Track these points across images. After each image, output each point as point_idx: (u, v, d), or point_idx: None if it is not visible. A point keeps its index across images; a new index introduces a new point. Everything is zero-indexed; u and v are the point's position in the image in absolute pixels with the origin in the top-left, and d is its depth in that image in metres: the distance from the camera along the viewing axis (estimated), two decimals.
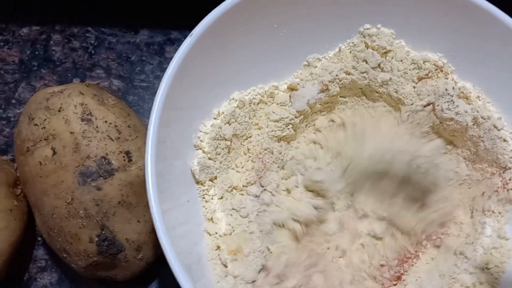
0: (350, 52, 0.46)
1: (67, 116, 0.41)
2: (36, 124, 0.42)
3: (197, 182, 0.43)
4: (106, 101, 0.44)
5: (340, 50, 0.47)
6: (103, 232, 0.41)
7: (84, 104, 0.42)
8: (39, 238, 0.49)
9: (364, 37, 0.46)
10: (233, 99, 0.45)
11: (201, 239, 0.41)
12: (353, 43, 0.46)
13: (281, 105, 0.46)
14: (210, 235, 0.41)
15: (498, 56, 0.43)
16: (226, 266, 0.40)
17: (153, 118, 0.38)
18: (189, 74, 0.40)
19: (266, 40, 0.45)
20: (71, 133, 0.41)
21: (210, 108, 0.44)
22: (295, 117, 0.46)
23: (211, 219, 0.42)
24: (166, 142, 0.39)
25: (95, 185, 0.40)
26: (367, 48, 0.46)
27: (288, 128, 0.46)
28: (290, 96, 0.46)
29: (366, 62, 0.45)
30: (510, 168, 0.42)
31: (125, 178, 0.41)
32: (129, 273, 0.44)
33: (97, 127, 0.42)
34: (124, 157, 0.42)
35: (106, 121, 0.42)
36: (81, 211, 0.40)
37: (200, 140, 0.43)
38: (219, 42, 0.42)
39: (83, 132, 0.41)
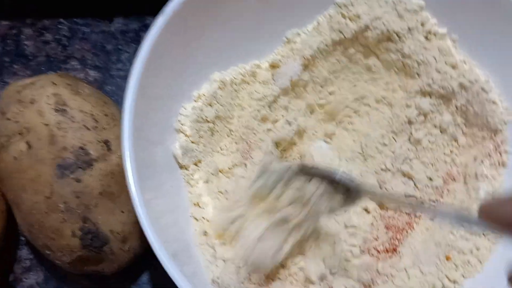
0: (327, 24, 0.45)
1: (40, 108, 0.40)
2: (8, 119, 0.40)
3: (181, 167, 0.41)
4: (81, 91, 0.42)
5: (318, 23, 0.45)
6: (86, 225, 0.39)
7: (57, 94, 0.41)
8: (22, 238, 0.47)
9: (340, 7, 0.44)
10: (213, 80, 0.44)
11: (188, 225, 0.40)
12: (329, 14, 0.45)
13: (263, 84, 0.45)
14: (197, 220, 0.40)
15: (481, 16, 0.42)
16: (215, 251, 0.38)
17: (127, 105, 0.36)
18: (163, 56, 0.39)
19: (243, 17, 0.44)
20: (46, 125, 0.39)
21: (190, 90, 0.43)
22: (279, 95, 0.44)
23: (197, 204, 0.41)
24: (144, 129, 0.38)
25: (74, 177, 0.39)
26: (344, 18, 0.44)
27: (272, 107, 0.44)
28: (272, 74, 0.45)
29: (342, 34, 0.44)
30: (501, 131, 0.41)
31: (105, 168, 0.40)
32: (117, 266, 0.42)
33: (72, 117, 0.40)
34: (103, 146, 0.40)
35: (81, 111, 0.41)
36: (61, 205, 0.39)
37: (181, 124, 0.42)
38: (193, 21, 0.41)
39: (58, 123, 0.39)
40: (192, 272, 0.36)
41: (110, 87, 0.52)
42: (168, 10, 0.38)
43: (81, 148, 0.39)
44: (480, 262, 0.40)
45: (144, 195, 0.35)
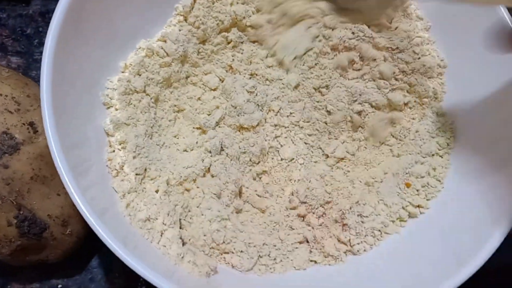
0: None
1: None
2: None
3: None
4: None
5: None
6: (21, 212, 0.38)
7: None
8: None
9: None
10: (139, 48, 0.42)
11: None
12: None
13: None
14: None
15: None
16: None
17: (44, 83, 0.34)
18: (80, 28, 0.37)
19: None
20: None
21: (115, 62, 0.41)
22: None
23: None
24: (67, 107, 0.36)
25: (1, 164, 0.37)
26: None
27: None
28: None
29: None
30: None
31: (33, 151, 0.38)
32: (61, 252, 0.41)
33: None
34: (28, 129, 0.38)
35: (1, 94, 0.38)
36: None
37: (110, 98, 0.40)
38: None
39: None
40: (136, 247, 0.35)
41: (35, 72, 0.50)
42: None
43: (5, 132, 0.37)
44: (439, 181, 0.41)
45: (78, 177, 0.33)
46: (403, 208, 0.41)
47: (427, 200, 0.41)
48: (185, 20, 0.43)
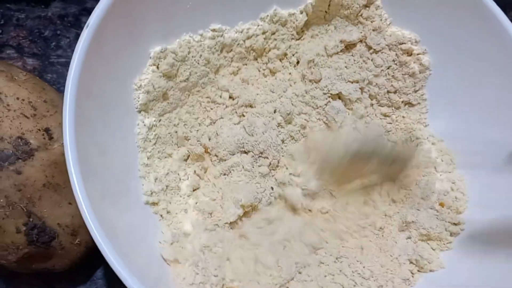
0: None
1: None
2: None
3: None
4: (16, 77, 0.39)
5: None
6: (31, 219, 0.37)
7: None
8: None
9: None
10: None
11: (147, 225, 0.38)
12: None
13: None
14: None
15: None
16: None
17: (69, 89, 0.33)
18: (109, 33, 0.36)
19: None
20: None
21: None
22: None
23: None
24: (91, 114, 0.35)
25: (14, 169, 0.36)
26: None
27: None
28: None
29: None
30: None
31: (47, 158, 0.37)
32: (68, 261, 0.40)
33: (8, 105, 0.37)
34: (43, 135, 0.38)
35: (18, 98, 0.38)
36: (1, 200, 0.36)
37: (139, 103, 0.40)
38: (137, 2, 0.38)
39: None
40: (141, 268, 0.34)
41: (51, 75, 0.49)
42: None
43: (20, 137, 0.37)
44: (463, 193, 0.43)
45: (90, 189, 0.32)
46: (445, 229, 0.41)
47: (460, 214, 0.42)
48: None
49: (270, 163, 0.42)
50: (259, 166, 0.42)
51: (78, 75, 0.34)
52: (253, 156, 0.41)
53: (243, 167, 0.41)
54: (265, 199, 0.41)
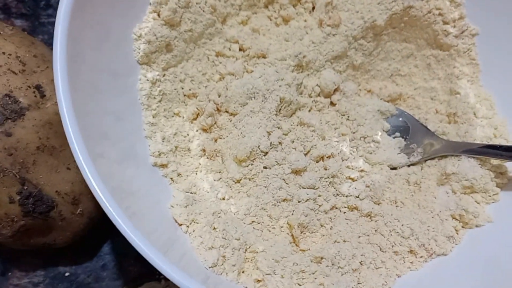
0: None
1: None
2: None
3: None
4: (1, 32, 0.35)
5: None
6: (25, 187, 0.33)
7: None
8: None
9: None
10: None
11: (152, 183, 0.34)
12: None
13: None
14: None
15: None
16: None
17: (59, 37, 0.29)
18: None
19: None
20: None
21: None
22: None
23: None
24: (88, 70, 0.31)
25: (2, 131, 0.32)
26: None
27: None
28: None
29: None
30: None
31: (40, 118, 0.33)
32: (70, 234, 0.36)
33: None
34: (34, 92, 0.34)
35: (4, 53, 0.34)
36: None
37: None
38: None
39: None
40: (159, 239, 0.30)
41: (42, 36, 0.45)
42: None
43: (8, 95, 0.33)
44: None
45: (91, 149, 0.28)
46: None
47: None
48: None
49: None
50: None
51: (68, 25, 0.30)
52: (263, 101, 0.37)
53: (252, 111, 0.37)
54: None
